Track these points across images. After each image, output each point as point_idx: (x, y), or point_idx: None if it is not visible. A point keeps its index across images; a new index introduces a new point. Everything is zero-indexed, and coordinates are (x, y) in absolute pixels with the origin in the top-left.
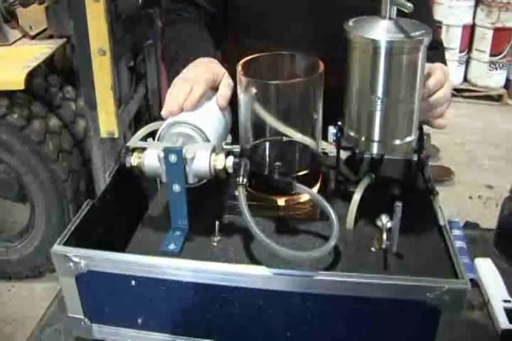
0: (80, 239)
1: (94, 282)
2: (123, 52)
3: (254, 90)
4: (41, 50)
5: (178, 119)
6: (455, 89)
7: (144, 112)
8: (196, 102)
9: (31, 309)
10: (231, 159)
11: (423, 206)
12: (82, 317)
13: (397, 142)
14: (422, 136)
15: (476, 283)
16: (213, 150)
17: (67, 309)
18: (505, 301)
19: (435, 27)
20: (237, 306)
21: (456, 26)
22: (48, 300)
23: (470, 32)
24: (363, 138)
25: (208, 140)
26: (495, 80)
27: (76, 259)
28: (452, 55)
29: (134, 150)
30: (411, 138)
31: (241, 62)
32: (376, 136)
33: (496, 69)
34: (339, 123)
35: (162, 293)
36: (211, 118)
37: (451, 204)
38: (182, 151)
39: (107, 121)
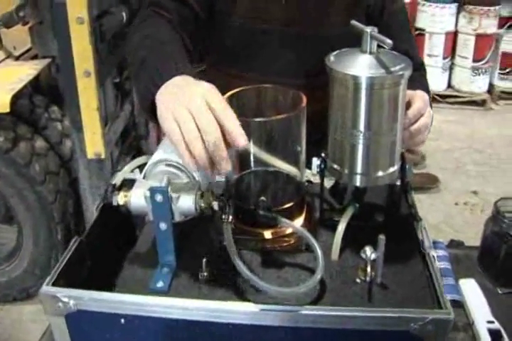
0: (69, 278)
1: (83, 321)
2: (109, 72)
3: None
4: (26, 71)
5: (163, 157)
6: (440, 95)
7: (130, 129)
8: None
9: (20, 331)
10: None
11: (407, 233)
12: None
13: (380, 174)
14: (404, 165)
15: (460, 304)
16: (199, 188)
17: None
18: (489, 322)
19: (416, 48)
20: None
21: (439, 33)
22: (37, 323)
23: (453, 39)
24: (346, 171)
25: (193, 177)
26: (478, 85)
27: (65, 299)
28: (436, 61)
29: (120, 187)
30: (394, 169)
31: (224, 97)
32: (359, 169)
33: (479, 74)
34: (323, 154)
35: (151, 331)
36: None
37: (438, 211)
38: (167, 191)
39: (94, 143)
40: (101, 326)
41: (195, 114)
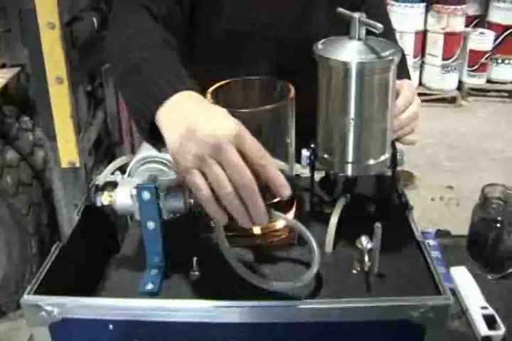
0: (52, 285)
1: (69, 330)
2: (81, 79)
3: None
4: None
5: (148, 154)
6: None
7: (103, 138)
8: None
9: None
10: None
11: (399, 222)
12: None
13: (372, 162)
14: (395, 153)
15: (453, 292)
16: (187, 184)
17: None
18: (483, 308)
19: (397, 39)
20: None
21: (409, 32)
22: (13, 339)
23: (422, 38)
24: (337, 160)
25: None
26: (448, 83)
27: (48, 308)
28: (407, 60)
29: (103, 187)
30: (385, 157)
31: (210, 90)
32: (350, 158)
33: (449, 72)
34: (312, 145)
35: (143, 336)
36: None
37: (415, 207)
38: (155, 188)
39: (68, 151)
40: (88, 334)
41: (225, 164)
